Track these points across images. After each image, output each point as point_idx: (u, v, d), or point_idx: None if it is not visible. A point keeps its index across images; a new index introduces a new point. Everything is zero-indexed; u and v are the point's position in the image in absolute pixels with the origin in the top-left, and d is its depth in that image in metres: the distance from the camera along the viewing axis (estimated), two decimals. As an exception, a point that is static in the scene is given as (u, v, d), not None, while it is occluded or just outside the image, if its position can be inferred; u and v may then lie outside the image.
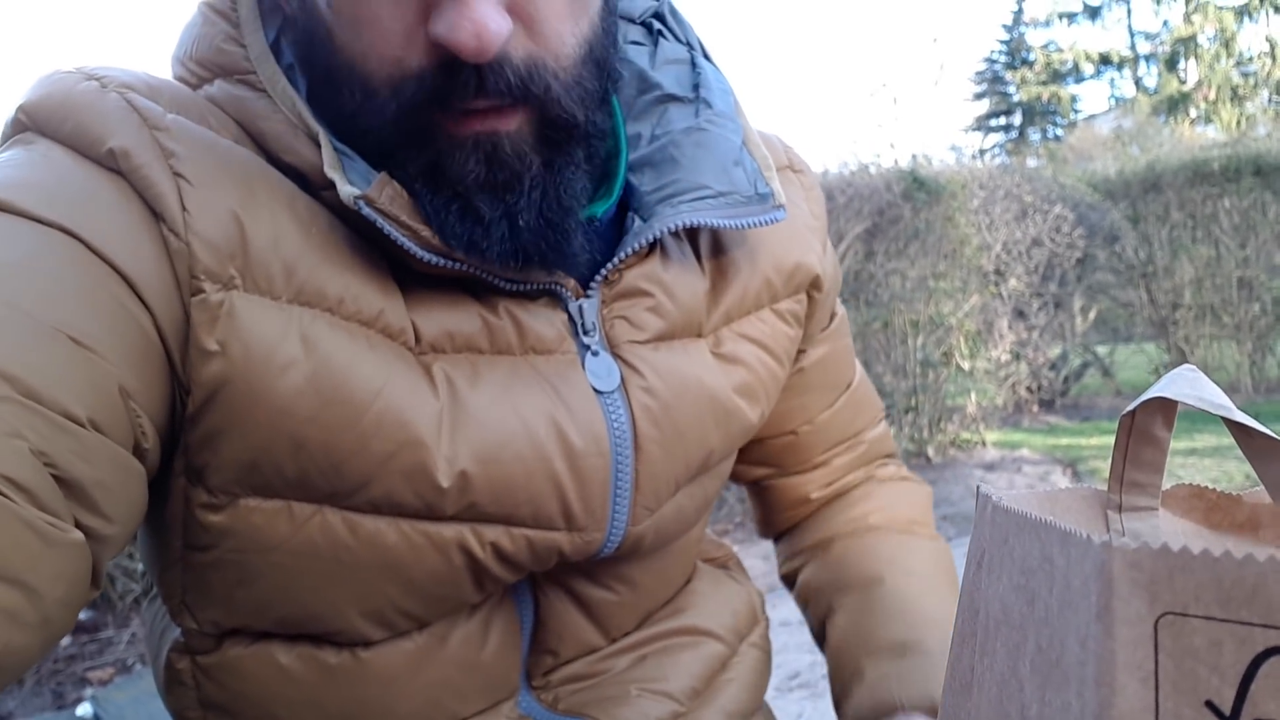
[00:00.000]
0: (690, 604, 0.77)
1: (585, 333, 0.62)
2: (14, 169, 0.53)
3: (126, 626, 3.10)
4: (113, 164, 0.53)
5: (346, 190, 0.53)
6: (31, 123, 0.56)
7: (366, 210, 0.53)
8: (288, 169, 0.56)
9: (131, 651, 2.97)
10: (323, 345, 0.54)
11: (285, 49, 0.59)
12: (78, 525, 0.46)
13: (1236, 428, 0.37)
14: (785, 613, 2.94)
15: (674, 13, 0.73)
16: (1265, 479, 0.38)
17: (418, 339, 0.57)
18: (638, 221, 0.62)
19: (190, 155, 0.53)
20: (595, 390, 0.61)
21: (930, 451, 5.30)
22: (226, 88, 0.58)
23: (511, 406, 0.58)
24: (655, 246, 0.64)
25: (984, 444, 5.60)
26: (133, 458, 0.50)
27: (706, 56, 0.71)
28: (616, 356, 0.62)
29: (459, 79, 0.52)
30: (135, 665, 2.90)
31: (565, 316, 0.62)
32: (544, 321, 0.60)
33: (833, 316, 0.82)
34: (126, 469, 0.50)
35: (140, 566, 2.98)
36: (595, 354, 0.62)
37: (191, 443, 0.54)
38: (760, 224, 0.63)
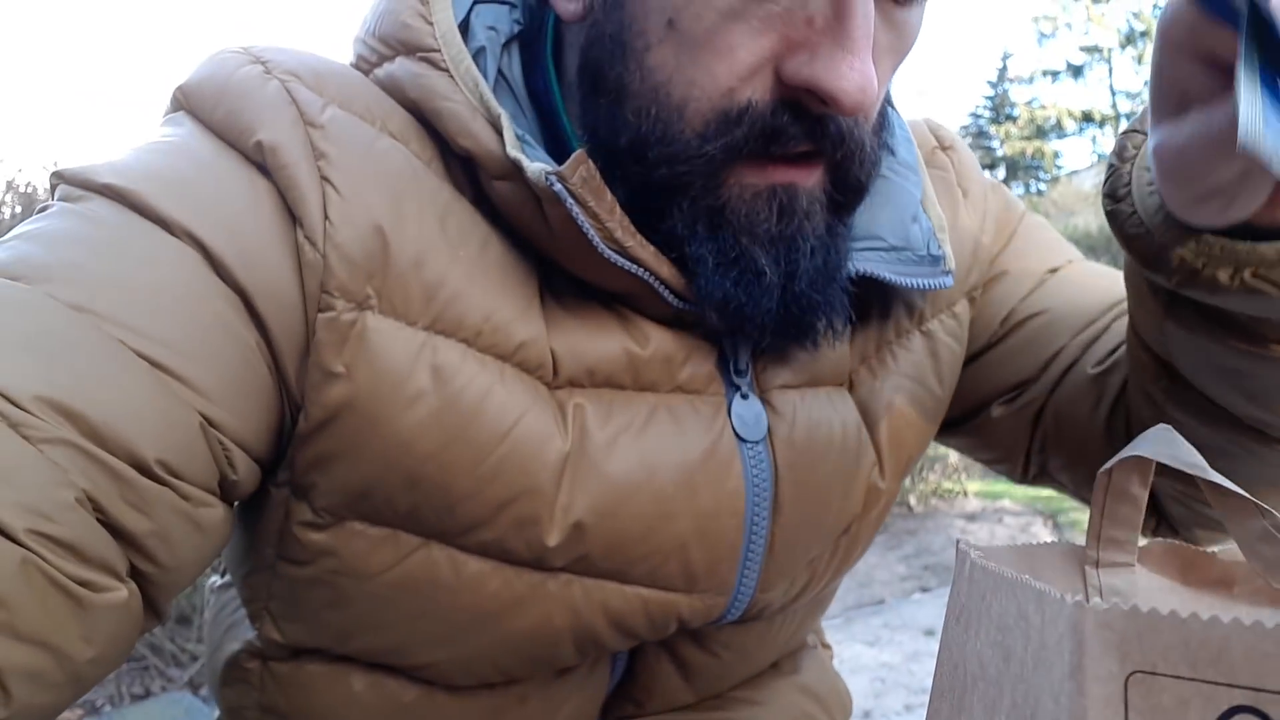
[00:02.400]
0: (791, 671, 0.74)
1: (738, 373, 0.57)
2: (154, 154, 0.50)
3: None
4: (259, 158, 0.49)
5: (535, 167, 0.49)
6: (186, 103, 0.53)
7: (558, 187, 0.48)
8: (462, 154, 0.52)
9: (100, 693, 2.91)
10: (454, 379, 0.50)
11: (477, 31, 0.55)
12: (132, 568, 0.44)
13: (1210, 486, 0.38)
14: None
15: None
16: (1238, 537, 0.39)
17: (556, 372, 0.53)
18: None
19: (342, 159, 0.50)
20: (739, 438, 0.56)
21: (912, 501, 5.30)
22: (408, 65, 0.54)
23: (639, 455, 0.53)
24: None
25: (965, 494, 5.61)
26: (204, 504, 0.46)
27: (890, 104, 0.65)
28: (765, 402, 0.57)
29: (798, 122, 0.49)
30: (104, 707, 2.85)
31: (718, 352, 0.57)
32: (697, 357, 0.56)
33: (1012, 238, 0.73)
34: (190, 520, 0.46)
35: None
36: (745, 397, 0.57)
37: (300, 461, 0.51)
38: (928, 287, 0.59)
